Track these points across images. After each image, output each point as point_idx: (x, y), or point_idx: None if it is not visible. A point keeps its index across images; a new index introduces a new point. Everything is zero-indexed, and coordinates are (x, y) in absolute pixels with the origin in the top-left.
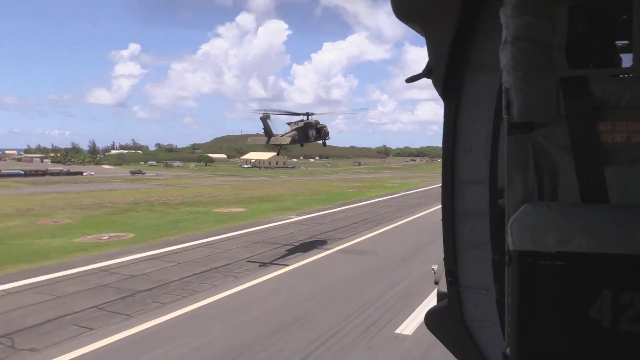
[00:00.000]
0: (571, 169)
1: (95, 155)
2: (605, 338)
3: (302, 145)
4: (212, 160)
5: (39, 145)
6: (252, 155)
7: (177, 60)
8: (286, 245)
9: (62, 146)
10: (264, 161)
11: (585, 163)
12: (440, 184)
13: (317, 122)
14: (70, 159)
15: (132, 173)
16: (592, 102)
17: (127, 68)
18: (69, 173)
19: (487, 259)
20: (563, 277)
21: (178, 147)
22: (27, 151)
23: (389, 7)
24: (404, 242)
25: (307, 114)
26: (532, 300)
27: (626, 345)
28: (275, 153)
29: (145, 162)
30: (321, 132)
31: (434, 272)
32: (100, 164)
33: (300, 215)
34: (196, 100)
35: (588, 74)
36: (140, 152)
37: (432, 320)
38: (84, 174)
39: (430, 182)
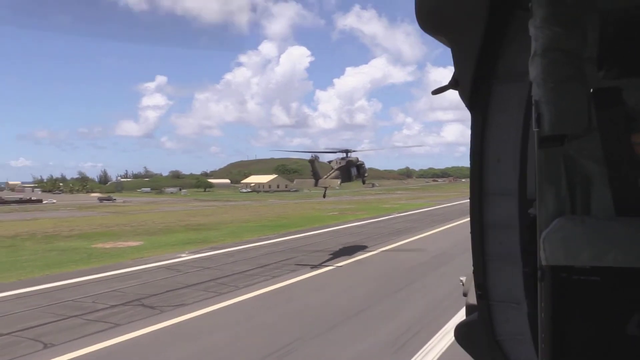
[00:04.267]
0: (605, 181)
1: (85, 183)
2: None
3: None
4: (211, 185)
5: (51, 176)
6: (253, 179)
7: (201, 90)
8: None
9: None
10: (263, 184)
11: (619, 175)
12: (450, 203)
13: (357, 159)
14: (59, 188)
15: (100, 200)
16: (625, 113)
17: (153, 100)
18: (27, 201)
19: (517, 272)
20: (598, 293)
21: (194, 174)
22: (37, 182)
23: (406, 27)
24: (306, 309)
25: (346, 151)
26: (566, 316)
27: None
28: (276, 175)
29: (140, 189)
30: (360, 170)
31: (462, 284)
32: (92, 192)
33: (201, 252)
34: (221, 129)
35: (621, 84)
36: (147, 179)
37: (462, 334)
38: (44, 202)
39: (439, 201)
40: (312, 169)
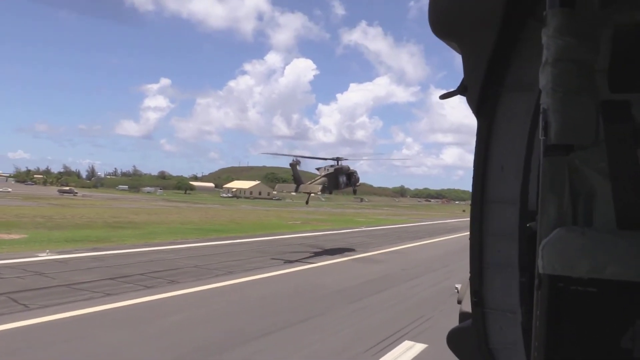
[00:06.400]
0: (608, 194)
1: (60, 177)
2: None
3: (330, 192)
4: (192, 188)
5: (38, 168)
6: (235, 184)
7: (203, 95)
8: None
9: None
10: (244, 190)
11: (623, 189)
12: (431, 222)
13: (347, 168)
14: (32, 179)
15: (61, 192)
16: (632, 128)
17: (155, 101)
18: None
19: (514, 281)
20: (595, 304)
21: (183, 176)
22: (17, 173)
23: (411, 47)
24: None
25: (337, 159)
26: (561, 325)
27: None
28: (258, 182)
29: (117, 186)
30: (352, 179)
31: (457, 291)
32: (66, 185)
33: (68, 253)
34: (220, 135)
35: (630, 98)
36: (130, 177)
37: (455, 340)
38: None
39: (422, 219)
40: (294, 173)
